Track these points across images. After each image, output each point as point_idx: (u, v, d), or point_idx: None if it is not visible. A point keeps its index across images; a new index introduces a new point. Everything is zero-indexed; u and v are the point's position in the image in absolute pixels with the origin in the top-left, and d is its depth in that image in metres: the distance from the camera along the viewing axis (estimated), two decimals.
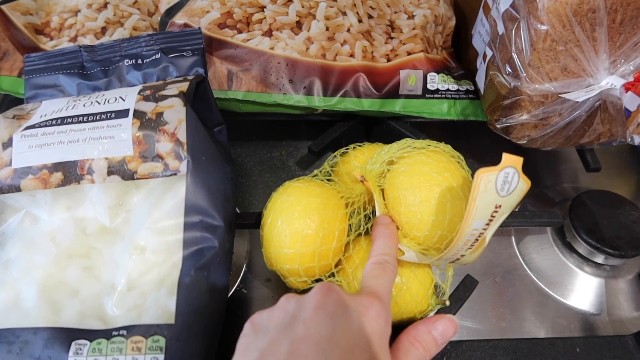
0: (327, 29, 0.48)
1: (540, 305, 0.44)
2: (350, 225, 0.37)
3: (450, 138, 0.39)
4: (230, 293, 0.43)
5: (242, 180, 0.52)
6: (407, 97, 0.49)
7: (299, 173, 0.54)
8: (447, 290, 0.36)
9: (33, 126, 0.35)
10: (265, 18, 0.47)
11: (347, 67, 0.47)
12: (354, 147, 0.43)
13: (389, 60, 0.49)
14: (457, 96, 0.50)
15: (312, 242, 0.35)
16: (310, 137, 0.50)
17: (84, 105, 0.36)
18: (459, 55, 0.57)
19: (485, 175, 0.26)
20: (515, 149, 0.39)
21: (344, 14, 0.49)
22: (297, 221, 0.35)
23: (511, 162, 0.26)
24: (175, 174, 0.33)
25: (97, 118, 0.34)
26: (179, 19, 0.46)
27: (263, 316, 0.27)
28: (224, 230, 0.34)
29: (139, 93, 0.36)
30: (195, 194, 0.33)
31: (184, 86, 0.37)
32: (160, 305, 0.31)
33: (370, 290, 0.28)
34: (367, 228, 0.38)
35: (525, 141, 0.45)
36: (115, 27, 0.53)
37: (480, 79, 0.47)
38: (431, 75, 0.49)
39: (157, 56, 0.40)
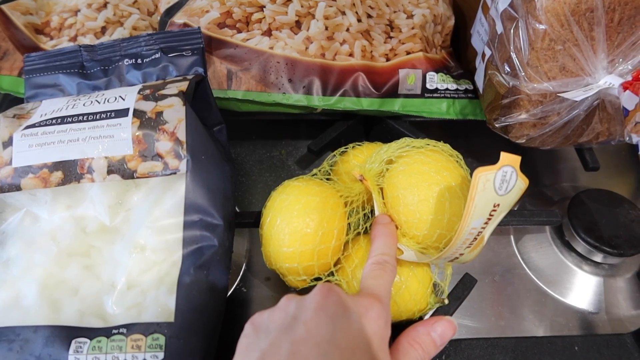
0: (327, 28, 0.48)
1: (539, 303, 0.44)
2: (349, 224, 0.37)
3: (449, 137, 0.39)
4: (230, 292, 0.43)
5: (241, 180, 0.52)
6: (406, 96, 0.49)
7: (298, 172, 0.54)
8: (446, 288, 0.36)
9: (33, 125, 0.35)
10: (264, 18, 0.47)
11: (346, 66, 0.47)
12: (353, 147, 0.43)
13: (388, 60, 0.49)
14: (456, 95, 0.50)
15: (311, 240, 0.35)
16: (310, 137, 0.51)
17: (83, 105, 0.36)
18: (458, 55, 0.57)
19: (484, 175, 0.26)
20: (514, 148, 0.39)
21: (343, 13, 0.49)
22: (296, 220, 0.35)
23: (509, 161, 0.26)
24: (174, 173, 0.33)
25: (97, 117, 0.35)
26: (179, 18, 0.46)
27: (264, 317, 0.27)
28: (224, 229, 0.34)
29: (138, 92, 0.36)
30: (194, 193, 0.34)
31: (184, 85, 0.37)
32: (160, 303, 0.32)
33: (370, 291, 0.29)
34: (366, 227, 0.38)
35: (524, 140, 0.45)
36: (115, 26, 0.53)
37: (479, 78, 0.47)
38: (430, 75, 0.50)
39: (157, 56, 0.40)
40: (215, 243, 0.34)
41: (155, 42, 0.40)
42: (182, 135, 0.34)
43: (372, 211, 0.37)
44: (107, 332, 0.31)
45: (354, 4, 0.49)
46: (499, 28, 0.41)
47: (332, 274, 0.37)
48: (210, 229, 0.34)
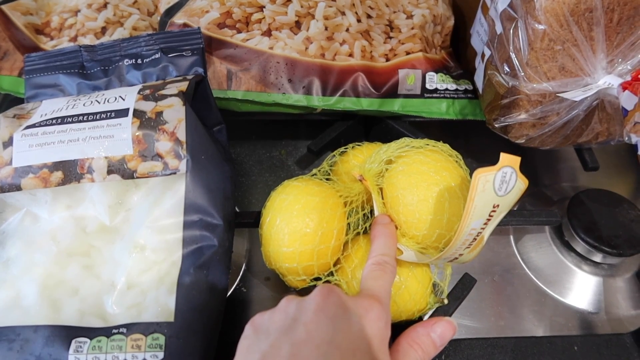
0: (326, 28, 0.48)
1: (539, 303, 0.44)
2: (348, 224, 0.37)
3: (449, 137, 0.39)
4: (230, 292, 0.43)
5: (241, 180, 0.53)
6: (406, 96, 0.49)
7: (298, 172, 0.54)
8: (446, 288, 0.36)
9: (33, 125, 0.35)
10: (264, 18, 0.47)
11: (346, 66, 0.47)
12: (352, 147, 0.43)
13: (387, 60, 0.49)
14: (455, 95, 0.50)
15: (310, 240, 0.35)
16: (310, 137, 0.51)
17: (84, 105, 0.36)
18: (457, 55, 0.57)
19: (483, 175, 0.26)
20: (514, 148, 0.39)
21: (343, 13, 0.49)
22: (296, 220, 0.35)
23: (509, 162, 0.26)
24: (174, 173, 0.33)
25: (97, 117, 0.35)
26: (179, 18, 0.46)
27: (264, 318, 0.27)
28: (224, 229, 0.35)
29: (138, 92, 0.36)
30: (194, 193, 0.34)
31: (184, 86, 0.37)
32: (160, 303, 0.32)
33: (370, 292, 0.29)
34: (366, 227, 0.38)
35: (523, 140, 0.45)
36: (115, 27, 0.53)
37: (479, 79, 0.47)
38: (430, 75, 0.50)
39: (157, 56, 0.40)
40: (215, 243, 0.34)
41: (155, 43, 0.40)
42: (182, 135, 0.34)
43: (372, 211, 0.37)
44: (107, 331, 0.31)
45: (353, 4, 0.49)
46: (499, 28, 0.41)
47: (331, 274, 0.37)
48: (210, 229, 0.34)
